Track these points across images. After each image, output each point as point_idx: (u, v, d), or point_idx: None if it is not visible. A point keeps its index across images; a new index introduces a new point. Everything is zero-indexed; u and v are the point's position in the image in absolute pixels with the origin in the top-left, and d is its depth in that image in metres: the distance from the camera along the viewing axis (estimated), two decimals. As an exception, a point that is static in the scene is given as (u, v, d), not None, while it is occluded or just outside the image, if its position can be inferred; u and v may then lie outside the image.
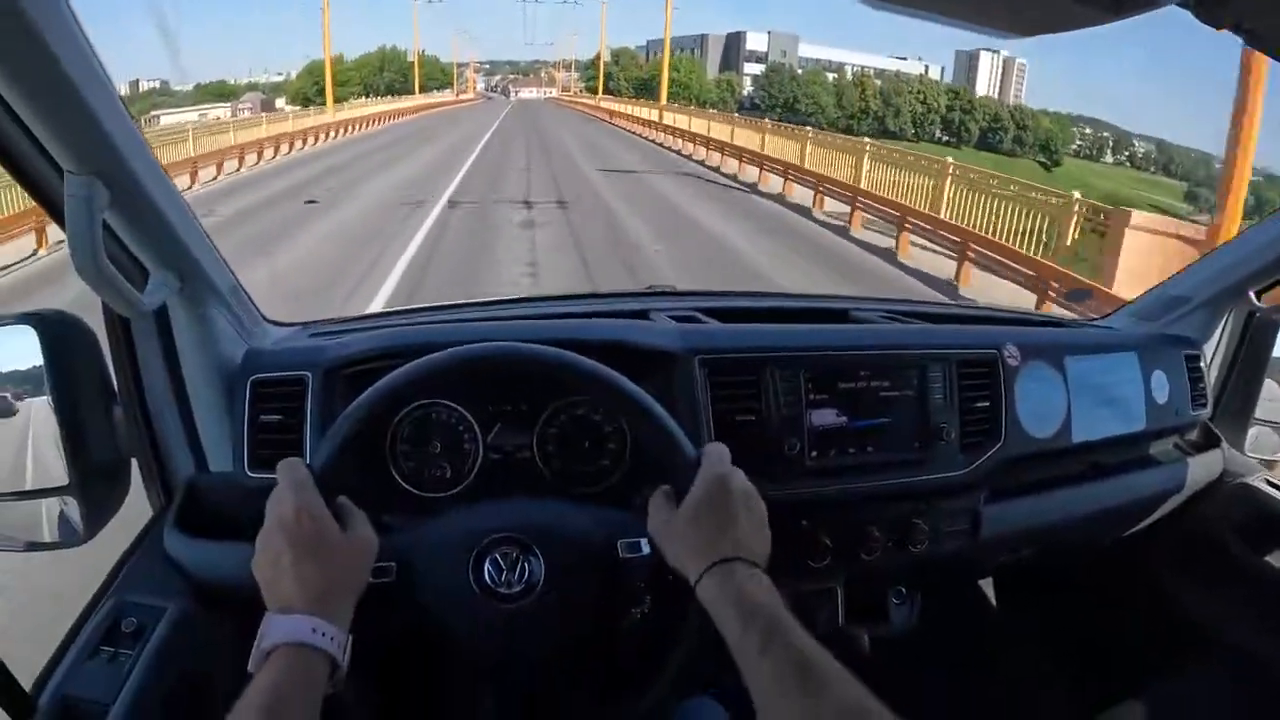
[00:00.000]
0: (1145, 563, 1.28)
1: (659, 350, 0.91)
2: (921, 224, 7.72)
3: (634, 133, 23.74)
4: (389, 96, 43.50)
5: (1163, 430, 1.20)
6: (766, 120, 14.22)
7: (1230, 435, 1.24)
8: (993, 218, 6.81)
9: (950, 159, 8.00)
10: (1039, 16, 0.50)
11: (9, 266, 6.19)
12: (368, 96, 42.97)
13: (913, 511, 0.98)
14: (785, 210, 10.31)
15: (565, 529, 0.73)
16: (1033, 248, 6.39)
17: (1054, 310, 5.38)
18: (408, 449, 0.89)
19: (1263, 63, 4.86)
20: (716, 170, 14.13)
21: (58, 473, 0.75)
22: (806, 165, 10.80)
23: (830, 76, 47.50)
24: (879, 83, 46.79)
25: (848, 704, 0.51)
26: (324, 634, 0.56)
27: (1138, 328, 1.26)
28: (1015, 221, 6.56)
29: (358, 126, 22.66)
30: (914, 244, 7.84)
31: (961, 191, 7.37)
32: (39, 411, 0.75)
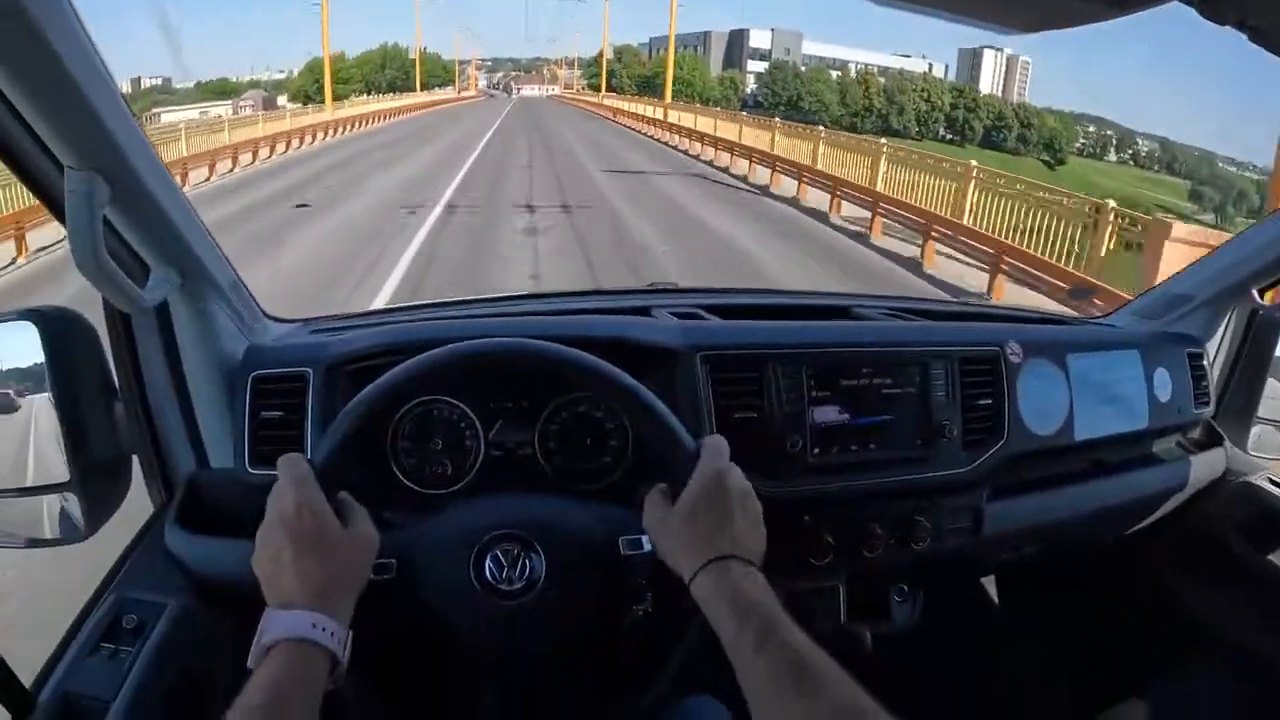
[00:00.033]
0: (1148, 561, 1.27)
1: (661, 347, 0.91)
2: (949, 232, 7.20)
3: (638, 131, 23.61)
4: (391, 94, 43.49)
5: (1165, 428, 1.19)
6: (776, 119, 13.62)
7: (1233, 434, 1.24)
8: (1019, 225, 6.32)
9: (974, 161, 7.53)
10: (1043, 12, 0.50)
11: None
12: (369, 94, 43.03)
13: (915, 509, 0.98)
14: (800, 215, 9.76)
15: (567, 526, 0.73)
16: (1064, 258, 5.88)
17: (1056, 308, 5.31)
18: (409, 445, 0.89)
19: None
20: (725, 171, 13.77)
21: (59, 469, 0.75)
22: (819, 166, 10.34)
23: (834, 74, 47.50)
24: (883, 80, 46.76)
25: (843, 703, 0.50)
26: (324, 629, 0.56)
27: (1140, 326, 1.26)
28: (1044, 229, 6.06)
29: (358, 124, 22.57)
30: (939, 253, 7.36)
31: (987, 197, 6.91)
32: (40, 408, 0.75)
